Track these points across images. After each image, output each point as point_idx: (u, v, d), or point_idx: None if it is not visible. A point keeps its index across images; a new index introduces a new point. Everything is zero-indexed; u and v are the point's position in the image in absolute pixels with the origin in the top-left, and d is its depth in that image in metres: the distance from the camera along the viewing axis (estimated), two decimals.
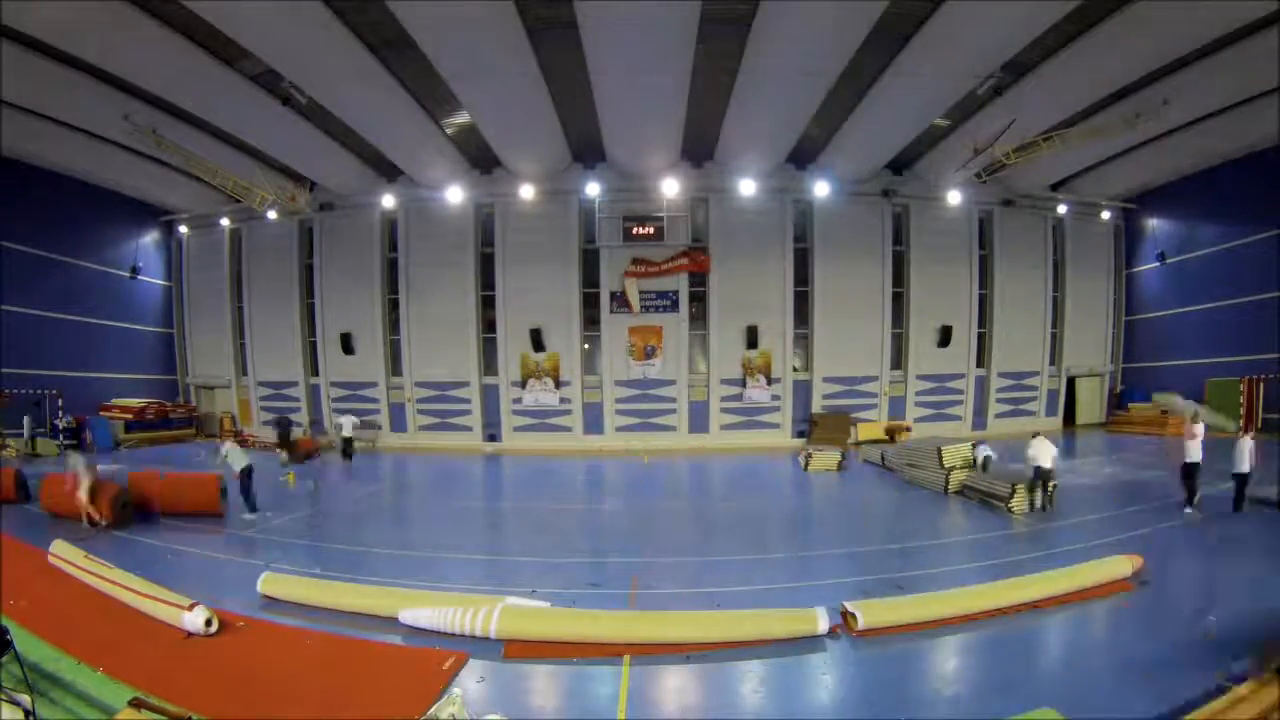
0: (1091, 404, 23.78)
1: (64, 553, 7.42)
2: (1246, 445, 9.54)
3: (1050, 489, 10.21)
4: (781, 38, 12.22)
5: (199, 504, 10.28)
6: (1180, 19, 11.98)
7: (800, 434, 20.56)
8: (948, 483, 11.62)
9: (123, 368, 22.33)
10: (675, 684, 4.75)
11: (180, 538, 8.85)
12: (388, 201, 20.21)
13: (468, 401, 21.10)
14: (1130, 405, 22.54)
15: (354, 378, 21.78)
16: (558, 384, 20.73)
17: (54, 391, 19.34)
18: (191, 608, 5.64)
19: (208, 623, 5.58)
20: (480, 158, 19.30)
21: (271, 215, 19.63)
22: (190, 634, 5.50)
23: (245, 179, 17.16)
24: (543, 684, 4.80)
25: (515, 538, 9.79)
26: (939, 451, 12.17)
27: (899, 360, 21.50)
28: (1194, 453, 9.68)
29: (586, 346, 21.07)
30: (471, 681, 4.75)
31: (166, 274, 24.16)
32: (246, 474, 10.24)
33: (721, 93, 15.08)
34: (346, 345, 21.34)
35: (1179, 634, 5.21)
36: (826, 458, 15.23)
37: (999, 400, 22.17)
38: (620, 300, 20.36)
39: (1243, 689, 4.10)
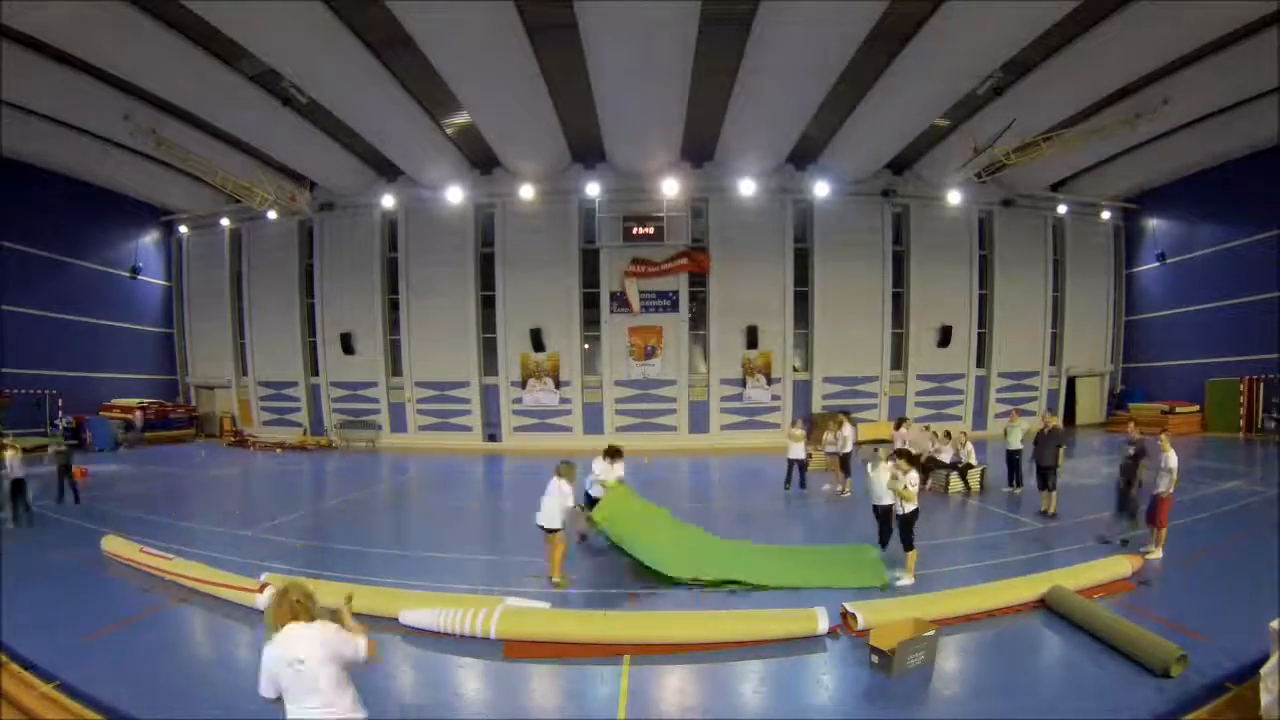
0: (1091, 404, 23.79)
1: (117, 547, 7.68)
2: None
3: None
4: (781, 38, 12.22)
5: None
6: (1180, 19, 11.98)
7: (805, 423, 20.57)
8: (947, 484, 11.63)
9: (123, 368, 22.34)
10: (675, 684, 4.75)
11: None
12: (388, 201, 20.22)
13: (468, 401, 21.11)
14: (1130, 405, 22.53)
15: (354, 378, 21.80)
16: (558, 384, 20.73)
17: (54, 392, 19.36)
18: (262, 589, 5.90)
19: None
20: (480, 158, 19.31)
21: (271, 215, 19.65)
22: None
23: (245, 179, 17.17)
24: (543, 684, 4.80)
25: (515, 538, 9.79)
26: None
27: (899, 360, 21.51)
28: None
29: (586, 346, 21.07)
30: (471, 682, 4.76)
31: (166, 274, 24.19)
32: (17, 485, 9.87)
33: (721, 93, 15.08)
34: (346, 345, 21.35)
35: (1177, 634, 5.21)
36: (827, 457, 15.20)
37: (999, 400, 22.16)
38: (620, 300, 20.37)
39: (1244, 689, 4.11)
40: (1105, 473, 13.53)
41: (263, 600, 5.89)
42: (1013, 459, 11.67)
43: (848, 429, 12.05)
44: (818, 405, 20.72)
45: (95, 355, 21.33)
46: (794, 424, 12.88)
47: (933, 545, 8.63)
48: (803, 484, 12.03)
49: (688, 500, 12.85)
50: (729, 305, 20.47)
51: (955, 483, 11.66)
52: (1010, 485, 11.67)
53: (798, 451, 11.98)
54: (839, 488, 11.91)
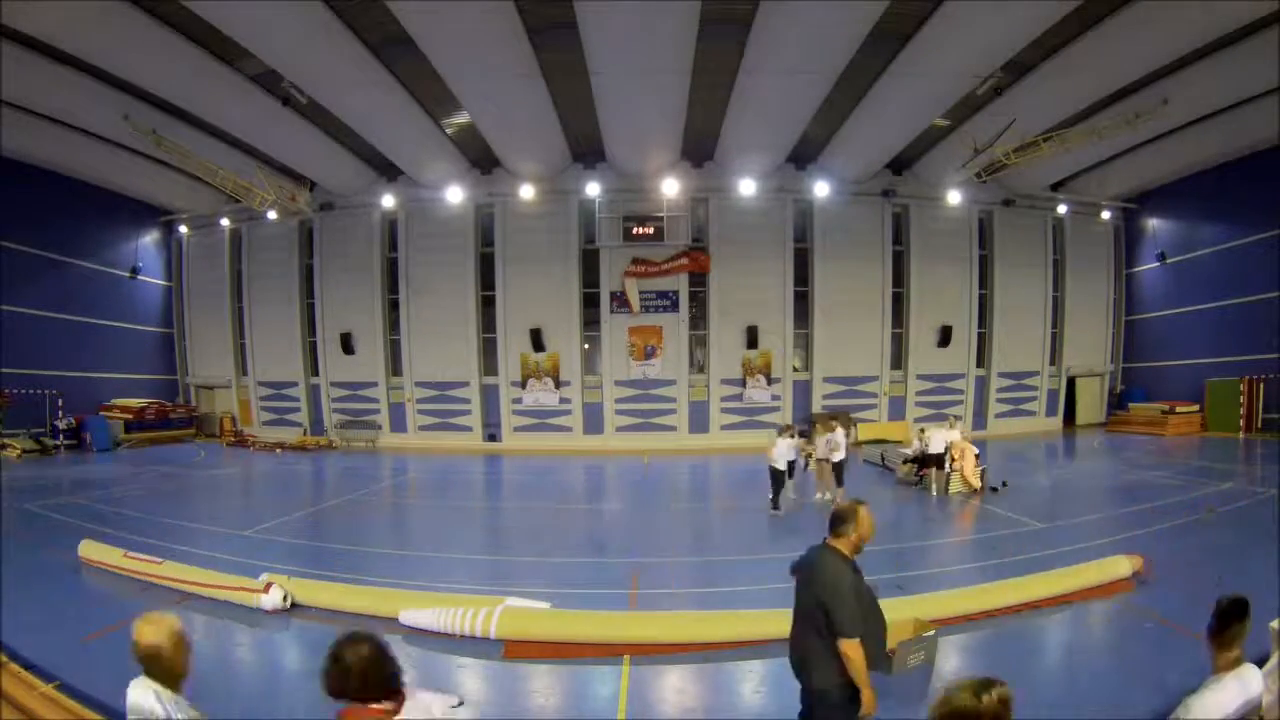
0: (1092, 404, 23.79)
1: (95, 553, 7.35)
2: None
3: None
4: (781, 38, 12.22)
5: None
6: (1180, 19, 11.98)
7: (801, 434, 20.56)
8: (947, 484, 11.64)
9: (122, 368, 22.34)
10: (675, 684, 4.75)
11: None
12: (388, 201, 20.21)
13: (468, 401, 21.10)
14: (1130, 405, 22.56)
15: (354, 378, 21.79)
16: (558, 384, 20.72)
17: (54, 392, 19.35)
18: (267, 588, 5.93)
19: (284, 598, 5.92)
20: (480, 158, 19.30)
21: (271, 215, 19.64)
22: (269, 611, 5.87)
23: (245, 179, 17.16)
24: (543, 684, 4.80)
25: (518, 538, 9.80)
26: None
27: (899, 360, 21.51)
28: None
29: (586, 346, 21.07)
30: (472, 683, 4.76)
31: (166, 274, 24.19)
32: None
33: (721, 93, 15.07)
34: (346, 345, 21.35)
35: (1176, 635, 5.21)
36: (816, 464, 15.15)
37: (999, 400, 22.18)
38: (620, 300, 20.36)
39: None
40: (1111, 472, 13.55)
41: (268, 600, 5.88)
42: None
43: (839, 434, 10.80)
44: (818, 405, 20.73)
45: (95, 355, 21.31)
46: (781, 430, 11.09)
47: (933, 545, 8.65)
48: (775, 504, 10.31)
49: (686, 501, 12.89)
50: (729, 305, 20.46)
51: (955, 483, 11.67)
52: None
53: (782, 457, 10.26)
54: (828, 495, 10.87)
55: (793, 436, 10.88)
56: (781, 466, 10.33)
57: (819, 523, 9.75)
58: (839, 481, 10.82)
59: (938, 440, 11.68)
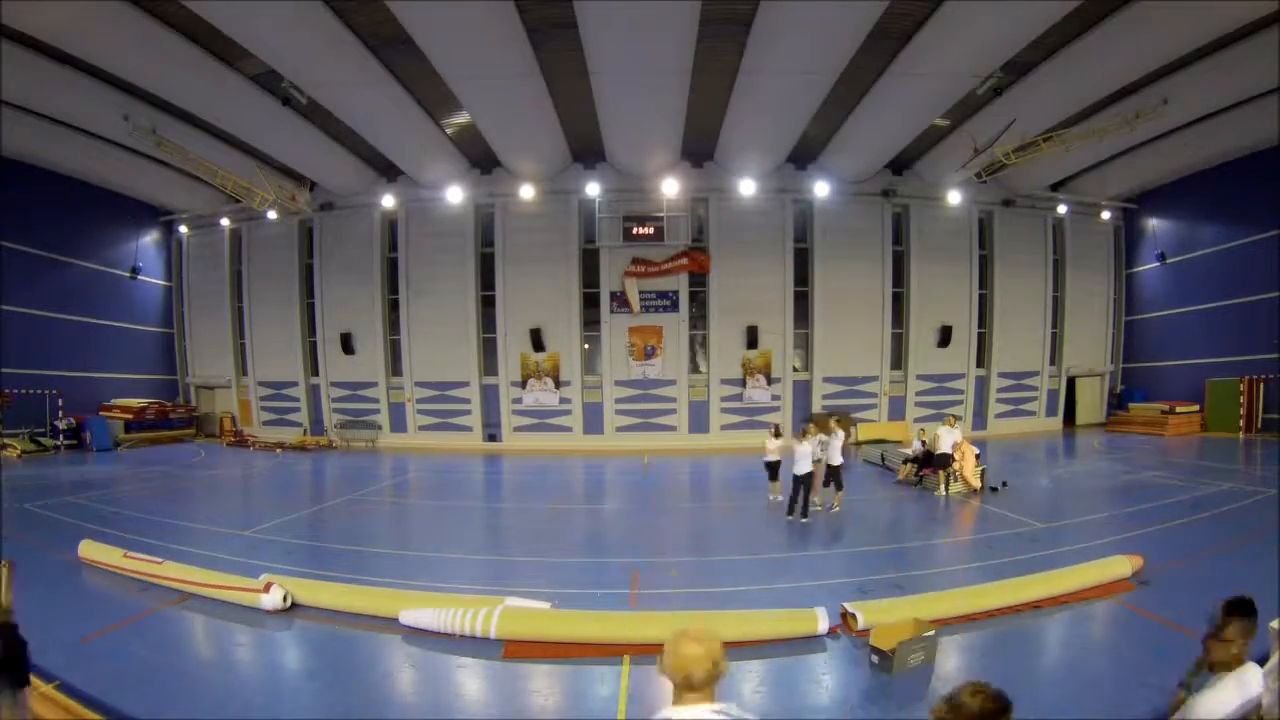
0: (1092, 404, 23.80)
1: (95, 553, 7.33)
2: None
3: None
4: (781, 38, 12.23)
5: None
6: (1180, 19, 11.99)
7: (801, 434, 20.56)
8: (947, 484, 11.62)
9: (123, 368, 22.34)
10: None
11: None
12: (388, 201, 20.22)
13: (468, 401, 21.10)
14: (1130, 405, 22.56)
15: (354, 378, 21.80)
16: (558, 384, 20.72)
17: (54, 391, 19.36)
18: (268, 588, 5.94)
19: (284, 598, 5.94)
20: (480, 158, 19.31)
21: (271, 215, 19.65)
22: (270, 611, 5.88)
23: (245, 179, 17.17)
24: (543, 684, 4.79)
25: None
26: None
27: (899, 360, 21.51)
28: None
29: (586, 346, 21.07)
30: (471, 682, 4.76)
31: (166, 274, 24.20)
32: None
33: (721, 93, 15.09)
34: (346, 345, 21.36)
35: (1177, 635, 5.21)
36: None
37: (999, 400, 22.18)
38: (620, 300, 20.36)
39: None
40: (1111, 472, 13.53)
41: (268, 600, 5.87)
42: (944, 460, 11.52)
43: (837, 437, 10.65)
44: (818, 405, 20.72)
45: (95, 355, 21.32)
46: (801, 431, 10.77)
47: (933, 545, 8.65)
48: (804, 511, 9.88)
49: (687, 500, 12.89)
50: (729, 305, 20.46)
51: (955, 484, 11.67)
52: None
53: (806, 459, 9.90)
54: (819, 499, 10.65)
55: (803, 436, 10.39)
56: (806, 470, 9.86)
57: (820, 524, 9.75)
58: (838, 485, 10.59)
59: (946, 439, 11.52)
